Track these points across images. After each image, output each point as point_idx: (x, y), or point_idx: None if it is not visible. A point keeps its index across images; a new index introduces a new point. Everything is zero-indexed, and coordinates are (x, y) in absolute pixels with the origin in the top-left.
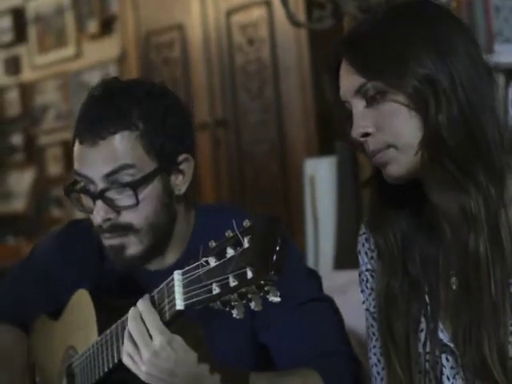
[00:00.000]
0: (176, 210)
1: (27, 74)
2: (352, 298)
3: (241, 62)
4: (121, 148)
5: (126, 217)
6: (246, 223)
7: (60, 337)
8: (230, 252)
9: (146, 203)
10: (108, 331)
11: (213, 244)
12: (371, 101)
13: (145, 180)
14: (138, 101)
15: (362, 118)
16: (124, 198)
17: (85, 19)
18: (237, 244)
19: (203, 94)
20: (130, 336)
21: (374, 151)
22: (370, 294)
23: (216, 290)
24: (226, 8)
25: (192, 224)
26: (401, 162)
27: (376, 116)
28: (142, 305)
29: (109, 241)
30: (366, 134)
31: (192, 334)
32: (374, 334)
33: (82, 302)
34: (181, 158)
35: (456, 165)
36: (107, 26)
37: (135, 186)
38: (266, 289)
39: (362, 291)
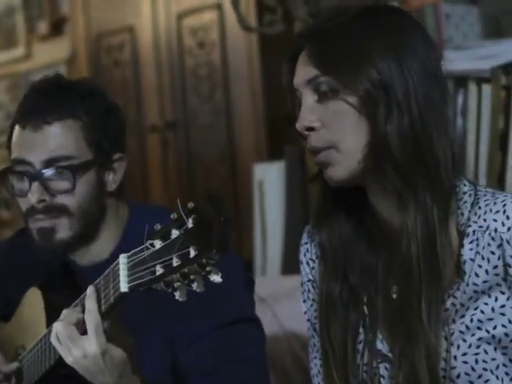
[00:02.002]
0: (106, 204)
1: None
2: (298, 302)
3: (191, 65)
4: (64, 136)
5: (61, 199)
6: (190, 204)
7: (10, 337)
8: (175, 233)
9: (81, 189)
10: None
11: (158, 227)
12: (323, 97)
13: (83, 167)
14: (82, 97)
15: (310, 112)
16: (61, 182)
17: (35, 20)
18: (181, 225)
19: (153, 96)
20: (57, 338)
21: (315, 148)
22: (311, 305)
23: (159, 270)
24: (177, 11)
25: (124, 221)
26: (343, 166)
27: (324, 113)
28: (87, 304)
29: (40, 223)
30: (311, 129)
31: (123, 342)
32: (315, 344)
33: (32, 300)
34: (116, 156)
35: (399, 177)
36: (57, 28)
37: (74, 171)
38: (207, 269)
39: (304, 301)
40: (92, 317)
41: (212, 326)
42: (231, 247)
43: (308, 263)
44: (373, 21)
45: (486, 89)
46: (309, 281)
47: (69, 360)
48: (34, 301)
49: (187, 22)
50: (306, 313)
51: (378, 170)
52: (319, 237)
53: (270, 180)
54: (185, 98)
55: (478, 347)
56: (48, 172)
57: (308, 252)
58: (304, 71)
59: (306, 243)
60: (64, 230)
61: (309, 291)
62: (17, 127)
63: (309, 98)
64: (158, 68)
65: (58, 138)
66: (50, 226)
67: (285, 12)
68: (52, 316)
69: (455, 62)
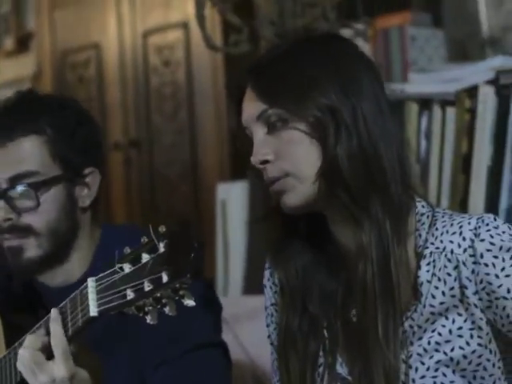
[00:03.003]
0: (79, 222)
1: None
2: (260, 323)
3: (156, 84)
4: (28, 152)
5: (27, 218)
6: (162, 228)
7: None
8: (146, 257)
9: (46, 207)
10: (17, 344)
11: (128, 250)
12: (272, 128)
13: (47, 183)
14: (49, 110)
15: (262, 145)
16: (26, 200)
17: (1, 36)
18: (152, 249)
19: (117, 113)
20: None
21: (273, 178)
22: (274, 329)
23: (130, 295)
24: (143, 29)
25: (97, 242)
26: (298, 192)
27: (276, 143)
28: (53, 328)
29: (8, 242)
30: (266, 162)
31: (91, 364)
32: (278, 368)
33: None
34: (87, 170)
35: (351, 198)
36: (23, 44)
37: (37, 188)
38: (180, 293)
39: (268, 325)
40: (58, 341)
41: (179, 351)
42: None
43: (271, 287)
44: (313, 49)
45: (451, 112)
46: (272, 305)
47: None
48: None
49: (153, 40)
50: (269, 337)
51: (331, 193)
52: (276, 272)
53: (232, 199)
54: (149, 116)
55: (436, 370)
56: (13, 190)
57: (271, 276)
58: (252, 107)
59: (269, 268)
60: (32, 249)
61: (272, 315)
62: None
63: (260, 132)
64: (123, 86)
65: (21, 154)
66: (17, 245)
67: (251, 32)
68: (11, 337)
69: (420, 84)
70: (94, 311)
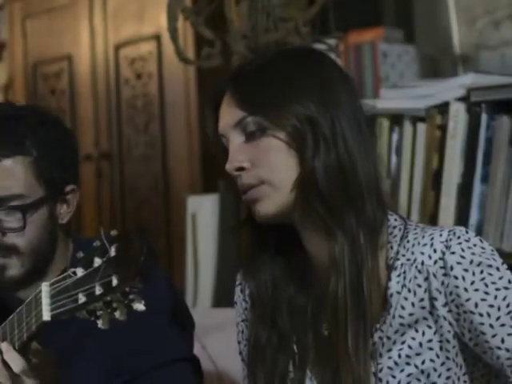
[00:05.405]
0: (58, 237)
1: None
2: (230, 336)
3: (128, 96)
4: (13, 173)
5: (11, 238)
6: (113, 232)
7: None
8: (98, 261)
9: (32, 228)
10: None
11: (80, 254)
12: (250, 136)
13: (33, 206)
14: (33, 128)
15: (239, 152)
16: (11, 221)
17: None
18: (104, 253)
19: (89, 125)
20: None
21: (247, 185)
22: (245, 345)
23: (82, 299)
24: (115, 41)
25: (70, 255)
26: (272, 200)
27: (253, 151)
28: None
29: None
30: (241, 169)
31: (49, 372)
32: None
33: None
34: (68, 188)
35: (326, 209)
36: None
37: (24, 211)
38: (130, 297)
39: (239, 342)
40: (12, 356)
41: (151, 364)
42: (166, 280)
43: (241, 304)
44: (293, 61)
45: (421, 128)
46: (243, 321)
47: None
48: None
49: (125, 52)
50: (240, 353)
51: (307, 204)
52: (247, 285)
53: (203, 212)
54: (120, 128)
55: (407, 383)
56: None
57: (242, 293)
58: (230, 114)
59: (239, 284)
60: (14, 268)
61: (243, 332)
62: None
63: (237, 139)
64: (95, 97)
65: (7, 175)
66: (0, 263)
67: (223, 46)
68: None
69: (391, 100)
70: (46, 315)
